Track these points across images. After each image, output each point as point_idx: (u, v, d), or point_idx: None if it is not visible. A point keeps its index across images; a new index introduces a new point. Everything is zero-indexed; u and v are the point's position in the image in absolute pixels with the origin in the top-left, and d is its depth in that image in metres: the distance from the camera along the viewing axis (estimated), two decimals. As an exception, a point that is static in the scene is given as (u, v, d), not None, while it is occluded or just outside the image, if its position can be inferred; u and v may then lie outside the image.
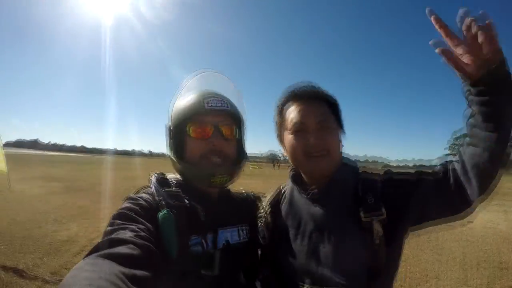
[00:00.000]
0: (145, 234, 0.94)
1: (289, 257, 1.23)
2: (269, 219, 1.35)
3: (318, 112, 1.26)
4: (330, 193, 1.24)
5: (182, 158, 1.25)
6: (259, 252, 1.36)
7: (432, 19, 0.99)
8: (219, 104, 1.28)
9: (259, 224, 1.36)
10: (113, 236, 0.88)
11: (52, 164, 30.99)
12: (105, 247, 0.82)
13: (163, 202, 1.09)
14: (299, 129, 1.25)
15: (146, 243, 0.89)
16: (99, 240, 0.88)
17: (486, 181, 1.04)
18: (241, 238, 1.29)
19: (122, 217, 0.99)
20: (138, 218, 1.00)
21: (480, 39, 0.90)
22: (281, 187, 1.46)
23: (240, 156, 1.36)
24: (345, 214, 1.18)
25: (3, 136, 7.58)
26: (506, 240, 7.77)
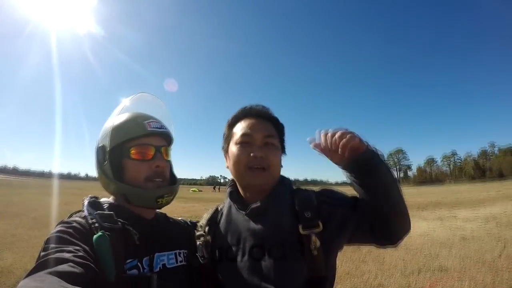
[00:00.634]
0: (82, 254, 0.92)
1: (230, 274, 1.25)
2: (207, 237, 1.36)
3: (266, 128, 1.36)
4: (268, 209, 1.27)
5: (121, 180, 1.23)
6: (199, 275, 1.34)
7: (311, 146, 1.27)
8: (159, 126, 1.31)
9: (198, 243, 1.36)
10: (52, 256, 0.86)
11: (-19, 188, 28.98)
12: (45, 267, 0.80)
13: (97, 225, 1.06)
14: (245, 141, 1.32)
15: (86, 262, 0.88)
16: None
17: (396, 225, 1.24)
18: (179, 262, 1.28)
19: (57, 241, 0.97)
20: (74, 240, 0.98)
21: (338, 150, 1.17)
22: (218, 206, 1.49)
23: (173, 176, 1.39)
24: (284, 229, 1.22)
25: None
26: (444, 245, 8.18)
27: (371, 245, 1.28)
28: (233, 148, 1.34)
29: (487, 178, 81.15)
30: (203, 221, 1.44)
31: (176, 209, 16.51)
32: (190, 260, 1.34)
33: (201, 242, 1.36)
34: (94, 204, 1.19)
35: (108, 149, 1.24)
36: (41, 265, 0.82)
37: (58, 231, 1.01)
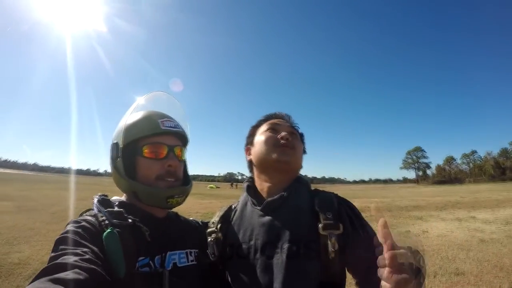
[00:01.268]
0: (90, 257, 0.92)
1: (240, 272, 1.23)
2: (219, 234, 1.34)
3: (290, 126, 1.43)
4: (285, 204, 1.26)
5: (133, 178, 1.23)
6: (210, 274, 1.34)
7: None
8: (173, 125, 1.30)
9: (209, 239, 1.34)
10: (57, 261, 0.86)
11: (3, 182, 29.59)
12: (50, 273, 0.80)
13: (107, 222, 1.06)
14: (272, 128, 1.39)
15: (92, 266, 0.88)
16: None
17: None
18: (190, 261, 1.27)
19: (65, 242, 0.97)
20: (82, 241, 0.98)
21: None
22: (232, 204, 1.49)
23: (187, 177, 1.38)
24: (301, 226, 1.20)
25: None
26: (461, 247, 8.01)
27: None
28: (259, 137, 1.39)
29: (507, 177, 79.65)
30: (215, 218, 1.43)
31: (193, 205, 16.76)
32: (201, 259, 1.33)
33: (212, 239, 1.34)
34: (104, 202, 1.19)
35: (121, 146, 1.25)
36: (45, 271, 0.81)
37: (67, 232, 1.02)
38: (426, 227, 11.03)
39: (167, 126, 1.27)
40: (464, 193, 28.77)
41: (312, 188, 1.38)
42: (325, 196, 1.28)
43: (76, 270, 0.83)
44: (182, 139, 1.36)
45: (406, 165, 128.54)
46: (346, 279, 1.24)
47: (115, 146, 1.27)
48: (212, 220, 1.43)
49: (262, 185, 1.37)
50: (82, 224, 1.06)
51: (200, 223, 1.52)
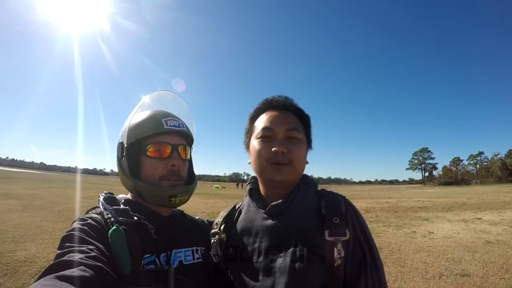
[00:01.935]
0: (95, 254, 0.92)
1: (242, 274, 1.21)
2: (222, 235, 1.33)
3: (288, 121, 1.28)
4: (290, 208, 1.22)
5: (137, 177, 1.24)
6: (215, 272, 1.33)
7: None
8: (177, 125, 1.30)
9: (212, 241, 1.34)
10: (63, 258, 0.87)
11: (10, 180, 29.74)
12: (56, 270, 0.81)
13: (112, 219, 1.07)
14: (267, 135, 1.26)
15: (98, 263, 0.88)
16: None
17: None
18: (196, 259, 1.27)
19: (71, 239, 0.98)
20: (88, 238, 0.99)
21: None
22: (236, 204, 1.46)
23: (192, 175, 1.38)
24: (306, 230, 1.16)
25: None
26: (467, 248, 7.99)
27: None
28: (254, 143, 1.30)
29: (514, 179, 79.03)
30: (219, 219, 1.41)
31: (199, 205, 16.81)
32: (207, 257, 1.33)
33: (215, 240, 1.34)
34: (110, 199, 1.20)
35: (126, 145, 1.25)
36: (51, 269, 0.82)
37: (73, 229, 1.02)
38: (432, 228, 11.00)
39: (170, 125, 1.27)
40: (471, 195, 28.64)
41: (319, 189, 1.34)
42: (332, 199, 1.22)
43: (82, 267, 0.83)
44: (187, 138, 1.36)
45: (413, 166, 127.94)
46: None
47: (120, 145, 1.28)
48: (216, 221, 1.42)
49: (265, 189, 1.33)
50: (88, 221, 1.07)
51: (206, 222, 1.52)
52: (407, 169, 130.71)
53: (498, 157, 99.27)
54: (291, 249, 1.14)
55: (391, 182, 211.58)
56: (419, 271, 6.20)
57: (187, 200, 1.30)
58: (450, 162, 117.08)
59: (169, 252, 1.19)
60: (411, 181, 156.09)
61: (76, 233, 1.00)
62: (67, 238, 0.99)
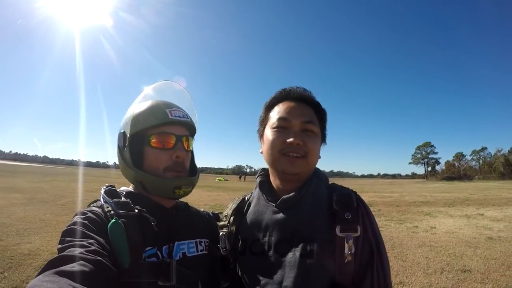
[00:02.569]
0: (96, 248, 0.93)
1: (252, 268, 1.21)
2: (231, 228, 1.32)
3: (305, 114, 1.26)
4: (301, 201, 1.20)
5: (140, 168, 1.23)
6: (220, 265, 1.33)
7: None
8: (181, 115, 1.28)
9: (221, 233, 1.33)
10: (63, 253, 0.88)
11: (13, 174, 29.83)
12: (56, 265, 0.81)
13: (112, 212, 1.07)
14: (282, 126, 1.25)
15: (98, 257, 0.89)
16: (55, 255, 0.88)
17: None
18: (199, 251, 1.27)
19: (72, 234, 0.98)
20: (88, 232, 0.99)
21: None
22: (245, 196, 1.44)
23: (194, 167, 1.37)
24: (317, 225, 1.15)
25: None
26: (469, 244, 7.99)
27: None
28: (268, 133, 1.28)
29: (517, 175, 78.62)
30: (228, 211, 1.39)
31: (201, 197, 16.66)
32: (212, 249, 1.33)
33: (224, 233, 1.32)
34: (111, 192, 1.19)
35: (128, 135, 1.23)
36: (51, 264, 0.83)
37: (73, 224, 1.02)
38: (434, 223, 11.00)
39: (175, 116, 1.25)
40: (473, 190, 28.51)
41: (330, 183, 1.32)
42: (344, 194, 1.21)
43: (82, 262, 0.84)
44: (190, 129, 1.34)
45: (415, 160, 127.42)
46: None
47: (122, 135, 1.27)
48: (225, 213, 1.40)
49: (276, 181, 1.31)
50: (88, 215, 1.07)
51: (211, 214, 1.52)
52: (409, 163, 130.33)
53: (502, 153, 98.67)
54: (301, 244, 1.13)
55: (393, 176, 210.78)
56: (421, 266, 6.22)
57: (190, 191, 1.29)
58: (453, 157, 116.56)
59: (171, 244, 1.19)
60: (414, 176, 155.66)
61: (76, 227, 1.00)
62: (68, 233, 0.99)
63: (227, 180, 64.48)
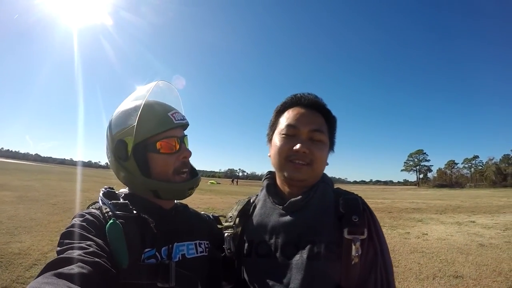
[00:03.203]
0: (94, 250, 0.92)
1: (257, 270, 1.20)
2: (237, 229, 1.32)
3: (314, 122, 1.26)
4: (308, 204, 1.20)
5: (148, 175, 1.21)
6: (222, 267, 1.33)
7: None
8: (182, 118, 1.29)
9: (226, 234, 1.32)
10: (62, 256, 0.87)
11: (4, 172, 29.55)
12: (55, 267, 0.81)
13: (110, 213, 1.06)
14: (290, 133, 1.25)
15: (96, 259, 0.88)
16: (52, 254, 0.87)
17: None
18: (199, 252, 1.26)
19: (70, 236, 0.98)
20: (86, 234, 0.99)
21: None
22: (251, 198, 1.43)
23: (193, 166, 1.36)
24: (324, 228, 1.15)
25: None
26: (460, 251, 8.05)
27: None
28: (276, 138, 1.28)
29: (508, 184, 79.44)
30: (233, 212, 1.39)
31: (194, 201, 16.63)
32: (212, 251, 1.32)
33: (229, 234, 1.32)
34: (109, 194, 1.18)
35: (133, 145, 1.19)
36: (50, 266, 0.82)
37: (72, 226, 1.02)
38: (426, 229, 11.07)
39: (178, 120, 1.25)
40: (465, 198, 28.80)
41: (335, 187, 1.33)
42: (350, 198, 1.22)
43: (80, 264, 0.84)
44: (185, 129, 1.35)
45: (408, 168, 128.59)
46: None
47: (122, 144, 1.22)
48: (230, 214, 1.39)
49: (282, 186, 1.31)
50: (86, 217, 1.06)
51: (211, 217, 1.51)
52: (402, 170, 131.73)
53: (493, 161, 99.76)
54: (308, 246, 1.13)
55: (385, 183, 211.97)
56: (413, 272, 6.26)
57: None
58: (445, 165, 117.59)
59: (170, 245, 1.18)
60: (406, 183, 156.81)
61: (75, 229, 1.00)
62: (66, 235, 0.99)
63: (220, 183, 64.42)
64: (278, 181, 1.33)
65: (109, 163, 1.30)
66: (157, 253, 1.12)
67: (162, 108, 1.27)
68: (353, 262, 1.07)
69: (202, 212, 1.53)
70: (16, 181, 20.46)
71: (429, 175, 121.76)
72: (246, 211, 1.36)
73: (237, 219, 1.35)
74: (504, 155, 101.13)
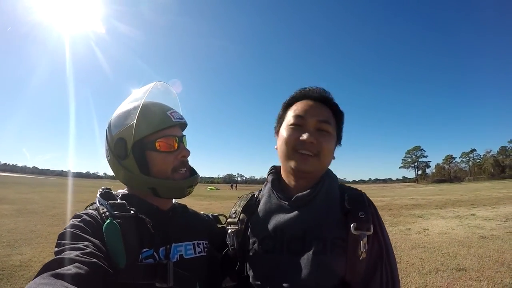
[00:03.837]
0: (91, 250, 0.92)
1: (262, 267, 1.19)
2: (241, 226, 1.30)
3: (322, 113, 1.26)
4: (315, 199, 1.20)
5: (147, 173, 1.21)
6: (223, 265, 1.32)
7: None
8: (180, 117, 1.30)
9: (229, 231, 1.31)
10: (59, 256, 0.88)
11: (3, 185, 29.47)
12: (52, 268, 0.81)
13: (107, 214, 1.06)
14: (297, 124, 1.24)
15: (93, 260, 0.89)
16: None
17: None
18: (197, 252, 1.26)
19: (67, 237, 0.98)
20: (83, 235, 0.99)
21: None
22: (254, 193, 1.42)
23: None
24: (330, 223, 1.15)
25: None
26: (462, 244, 8.05)
27: None
28: (283, 130, 1.28)
29: (507, 175, 79.66)
30: (237, 208, 1.37)
31: (193, 207, 15.72)
32: (210, 251, 1.32)
33: (232, 230, 1.30)
34: (106, 194, 1.19)
35: (132, 142, 1.20)
36: (47, 267, 0.83)
37: (69, 226, 1.02)
38: (426, 225, 11.08)
39: (177, 118, 1.26)
40: (464, 192, 28.86)
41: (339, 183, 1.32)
42: (356, 194, 1.22)
43: (77, 264, 0.84)
44: (183, 128, 1.36)
45: (406, 164, 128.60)
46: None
47: (121, 142, 1.23)
48: (233, 210, 1.37)
49: (288, 178, 1.30)
50: (83, 217, 1.06)
51: (211, 217, 1.51)
52: (400, 167, 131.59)
53: (491, 154, 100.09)
54: (314, 242, 1.13)
55: (384, 181, 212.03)
56: (416, 267, 6.25)
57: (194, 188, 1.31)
58: (443, 159, 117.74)
59: (168, 246, 1.18)
60: (405, 180, 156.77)
61: (72, 230, 1.00)
62: (63, 236, 0.99)
63: (219, 189, 64.32)
64: (284, 174, 1.33)
65: (108, 163, 1.30)
66: (155, 253, 1.12)
67: (161, 107, 1.29)
68: (360, 258, 1.07)
69: (202, 212, 1.53)
70: (14, 194, 20.43)
71: (428, 171, 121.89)
72: (250, 207, 1.34)
73: (241, 215, 1.33)
74: (501, 147, 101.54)
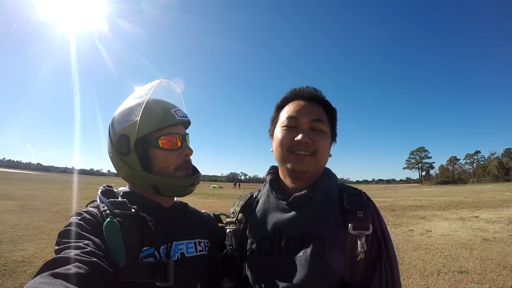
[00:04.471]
0: (91, 249, 0.92)
1: (260, 267, 1.19)
2: (239, 225, 1.30)
3: (314, 112, 1.26)
4: (313, 199, 1.19)
5: (149, 171, 1.21)
6: (223, 264, 1.32)
7: None
8: (184, 115, 1.29)
9: (227, 230, 1.31)
10: (59, 255, 0.87)
11: (7, 181, 29.54)
12: (52, 267, 0.81)
13: (108, 212, 1.06)
14: (291, 125, 1.25)
15: (93, 259, 0.88)
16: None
17: None
18: (198, 251, 1.26)
19: (68, 235, 0.98)
20: (84, 233, 0.98)
21: None
22: (253, 193, 1.42)
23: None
24: (328, 223, 1.14)
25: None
26: (465, 246, 8.02)
27: None
28: (277, 131, 1.28)
29: (511, 178, 79.16)
30: (235, 208, 1.37)
31: (196, 205, 15.79)
32: (211, 250, 1.32)
33: (231, 230, 1.30)
34: (107, 192, 1.18)
35: (135, 139, 1.20)
36: (47, 266, 0.83)
37: (70, 224, 1.02)
38: (429, 226, 11.04)
39: (180, 116, 1.26)
40: (468, 193, 28.67)
41: (338, 183, 1.32)
42: (355, 193, 1.21)
43: (77, 263, 0.84)
44: (187, 127, 1.36)
45: (410, 165, 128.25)
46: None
47: (124, 139, 1.22)
48: (232, 210, 1.38)
49: (286, 179, 1.30)
50: (83, 215, 1.06)
51: (212, 215, 1.51)
52: (404, 168, 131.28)
53: (495, 156, 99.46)
54: (312, 242, 1.12)
55: (388, 182, 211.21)
56: (417, 268, 6.23)
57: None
58: (447, 161, 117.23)
59: (169, 244, 1.17)
60: (408, 181, 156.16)
61: (72, 228, 1.00)
62: (64, 234, 0.99)
63: (222, 187, 64.19)
64: (281, 175, 1.32)
65: (110, 159, 1.30)
66: (155, 251, 1.12)
67: (165, 105, 1.29)
68: (358, 258, 1.06)
69: (203, 211, 1.53)
70: (18, 191, 20.47)
71: (432, 172, 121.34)
72: (248, 207, 1.35)
73: (240, 215, 1.33)
74: (506, 149, 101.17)
